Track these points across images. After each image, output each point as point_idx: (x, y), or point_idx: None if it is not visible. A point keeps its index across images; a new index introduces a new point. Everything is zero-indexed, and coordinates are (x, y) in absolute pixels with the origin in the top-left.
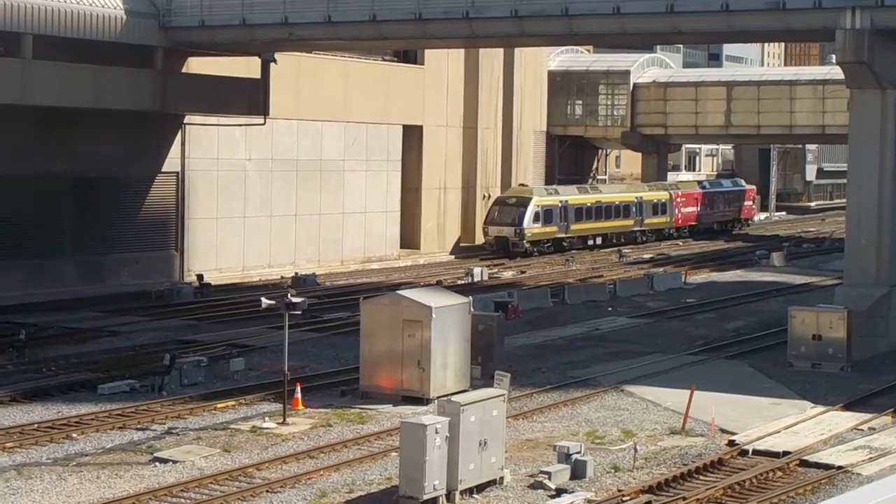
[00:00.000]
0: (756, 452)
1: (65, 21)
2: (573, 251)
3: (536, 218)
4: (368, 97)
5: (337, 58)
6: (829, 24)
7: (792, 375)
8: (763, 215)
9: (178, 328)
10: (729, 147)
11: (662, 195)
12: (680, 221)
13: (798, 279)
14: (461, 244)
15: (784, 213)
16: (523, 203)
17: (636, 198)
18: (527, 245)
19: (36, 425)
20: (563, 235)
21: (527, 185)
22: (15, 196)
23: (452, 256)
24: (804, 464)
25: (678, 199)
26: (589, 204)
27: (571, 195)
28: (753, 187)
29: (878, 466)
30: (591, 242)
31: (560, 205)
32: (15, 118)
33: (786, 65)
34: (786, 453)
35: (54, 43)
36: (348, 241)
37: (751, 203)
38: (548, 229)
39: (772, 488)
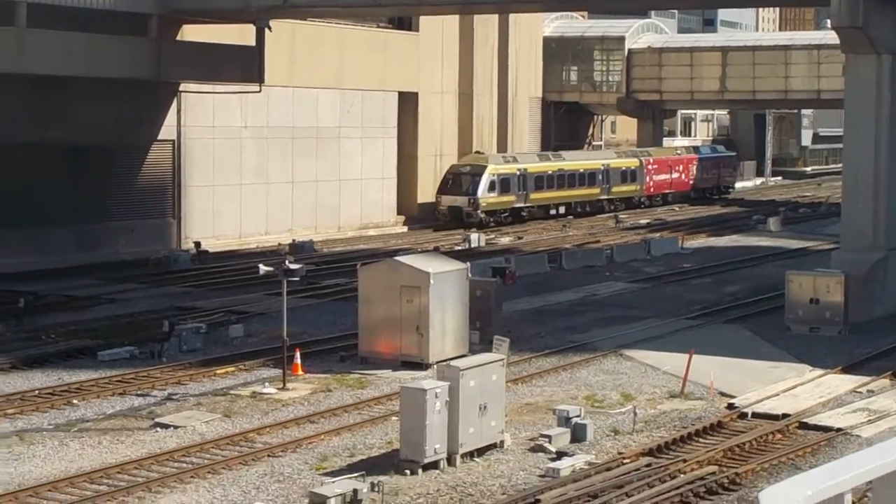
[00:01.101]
0: (755, 415)
1: None
2: (548, 221)
3: (492, 187)
4: (364, 64)
5: (332, 25)
6: None
7: (790, 339)
8: (758, 180)
9: (176, 295)
10: (724, 112)
11: (632, 162)
12: (652, 189)
13: (795, 244)
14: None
15: (780, 178)
16: (478, 172)
17: (603, 165)
18: (481, 215)
19: (37, 392)
20: (522, 205)
21: (482, 153)
22: (10, 164)
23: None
24: (803, 426)
25: (649, 167)
26: (550, 172)
27: (531, 163)
28: (734, 153)
29: (876, 429)
30: (553, 212)
31: (518, 173)
32: (10, 86)
33: (781, 30)
34: (785, 416)
35: (48, 11)
36: (345, 208)
37: (731, 170)
38: (505, 199)
39: (771, 450)
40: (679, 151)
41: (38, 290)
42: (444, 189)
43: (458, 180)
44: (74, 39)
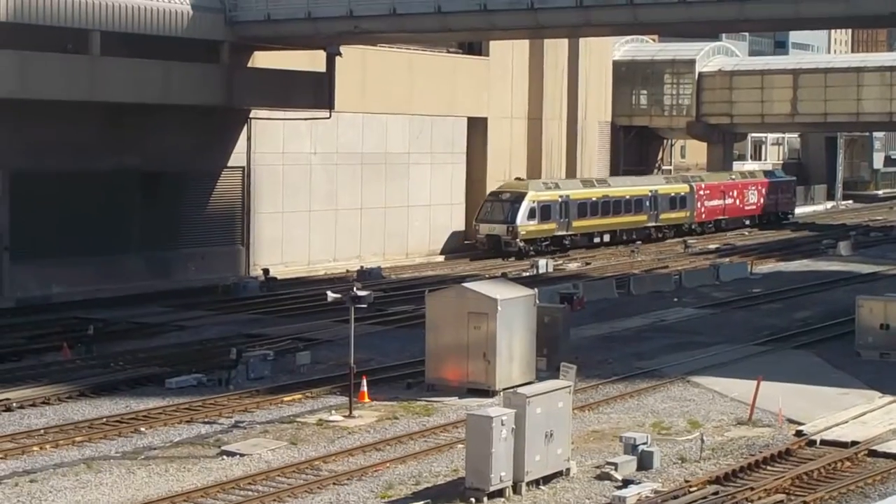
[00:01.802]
0: (824, 443)
1: (132, 17)
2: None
3: (532, 214)
4: (433, 89)
5: (402, 50)
6: None
7: (860, 365)
8: (829, 204)
9: (245, 322)
10: (795, 136)
11: (681, 188)
12: (703, 216)
13: (865, 268)
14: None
15: (851, 201)
16: (517, 198)
17: (650, 191)
18: (521, 244)
19: (104, 419)
20: (564, 233)
21: (523, 179)
22: (85, 192)
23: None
24: (873, 454)
25: (701, 192)
26: (594, 198)
27: (574, 189)
28: (793, 178)
29: None
30: (597, 240)
31: (560, 200)
32: (84, 114)
33: (853, 51)
34: (854, 443)
35: (122, 39)
36: (413, 234)
37: (789, 195)
38: (545, 227)
39: (840, 478)
40: (733, 176)
41: (109, 318)
42: (481, 216)
43: (497, 207)
44: (147, 67)
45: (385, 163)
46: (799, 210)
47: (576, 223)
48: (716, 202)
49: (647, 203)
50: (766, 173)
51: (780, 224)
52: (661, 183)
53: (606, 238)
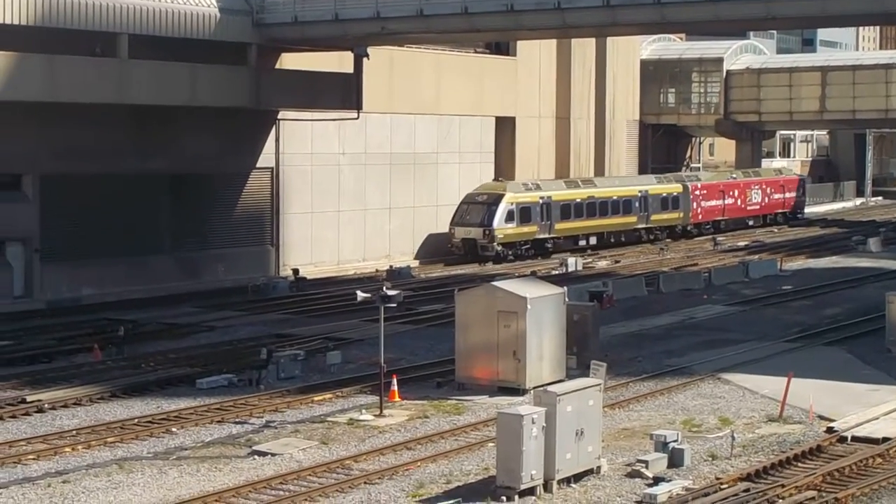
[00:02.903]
0: (855, 439)
1: (160, 20)
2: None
3: (510, 217)
4: (461, 89)
5: (429, 51)
6: None
7: (891, 361)
8: (858, 201)
9: (275, 322)
10: (824, 133)
11: (674, 188)
12: (700, 217)
13: (895, 265)
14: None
15: (880, 197)
16: (494, 200)
17: (640, 191)
18: (498, 248)
19: (136, 420)
20: (546, 236)
21: (501, 181)
22: (114, 194)
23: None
24: None
25: (697, 192)
26: (578, 200)
27: (556, 190)
28: (802, 176)
29: None
30: (582, 243)
31: (541, 201)
32: (113, 117)
33: (881, 48)
34: (885, 440)
35: (149, 42)
36: (442, 233)
37: (798, 194)
38: (525, 229)
39: (872, 475)
40: (734, 175)
41: (139, 319)
42: (457, 220)
43: (473, 210)
44: (175, 70)
45: (413, 163)
46: (827, 207)
47: (558, 225)
48: (714, 202)
49: (637, 204)
50: (775, 171)
51: (788, 224)
52: (651, 183)
53: (593, 241)
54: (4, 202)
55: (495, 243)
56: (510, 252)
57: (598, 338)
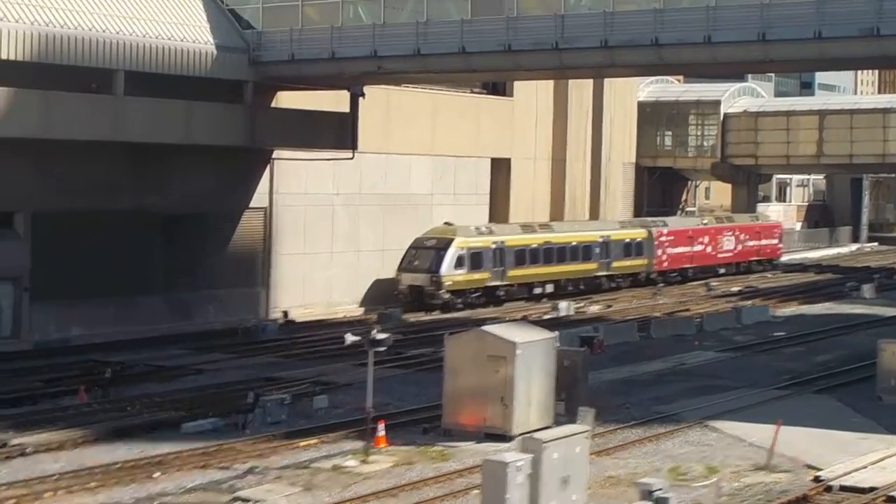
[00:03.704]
0: (842, 488)
1: (156, 57)
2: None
3: (460, 263)
4: (457, 130)
5: (426, 91)
6: None
7: (881, 409)
8: (854, 246)
9: (264, 365)
10: (820, 177)
11: (638, 233)
12: (666, 264)
13: (889, 311)
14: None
15: (876, 243)
16: (444, 245)
17: (601, 237)
18: (446, 296)
19: (119, 464)
20: (499, 283)
21: (451, 225)
22: (106, 233)
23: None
24: (891, 500)
25: (662, 238)
26: (534, 245)
27: (511, 235)
28: (780, 222)
29: None
30: (538, 291)
31: (494, 246)
32: (106, 154)
33: (880, 92)
34: (872, 489)
35: (145, 78)
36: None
37: (776, 242)
38: (476, 276)
39: None
40: (705, 221)
41: (127, 360)
42: (404, 265)
43: (422, 255)
44: (170, 107)
45: (408, 204)
46: (822, 252)
47: (512, 272)
48: (681, 249)
49: (598, 250)
50: (751, 217)
51: (762, 271)
52: (614, 228)
53: (549, 288)
54: None
55: (442, 290)
56: (459, 300)
57: (587, 383)
